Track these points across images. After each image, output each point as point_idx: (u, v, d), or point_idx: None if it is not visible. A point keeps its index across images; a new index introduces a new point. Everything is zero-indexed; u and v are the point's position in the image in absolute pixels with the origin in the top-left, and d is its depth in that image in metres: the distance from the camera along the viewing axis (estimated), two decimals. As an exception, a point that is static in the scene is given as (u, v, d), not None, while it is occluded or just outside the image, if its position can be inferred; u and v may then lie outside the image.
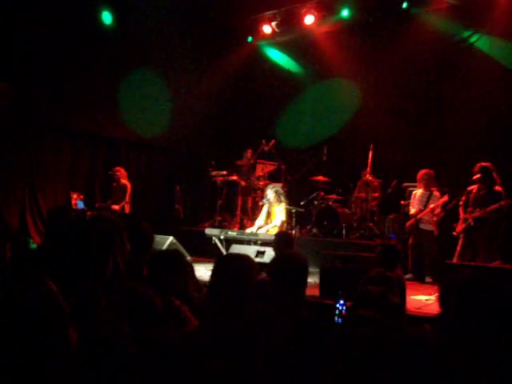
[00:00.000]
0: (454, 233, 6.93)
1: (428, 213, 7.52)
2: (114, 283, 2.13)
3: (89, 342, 1.73)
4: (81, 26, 9.22)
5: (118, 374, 1.80)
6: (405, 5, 9.82)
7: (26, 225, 9.20)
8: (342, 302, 2.64)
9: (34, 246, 4.35)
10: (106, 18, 9.84)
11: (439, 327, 2.31)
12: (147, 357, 2.07)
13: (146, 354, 2.05)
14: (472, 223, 6.72)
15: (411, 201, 7.82)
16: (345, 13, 10.40)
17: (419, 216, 7.56)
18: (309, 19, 10.60)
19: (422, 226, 7.59)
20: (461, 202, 6.99)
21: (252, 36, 11.74)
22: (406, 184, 8.70)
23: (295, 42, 11.43)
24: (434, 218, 7.56)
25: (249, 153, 10.41)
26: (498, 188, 6.67)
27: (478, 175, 6.71)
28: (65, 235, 2.30)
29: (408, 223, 7.74)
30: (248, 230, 8.43)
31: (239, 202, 10.49)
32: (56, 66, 9.02)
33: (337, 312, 2.62)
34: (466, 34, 9.44)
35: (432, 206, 7.47)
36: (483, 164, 6.75)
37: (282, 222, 8.34)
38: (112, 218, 2.42)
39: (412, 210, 7.72)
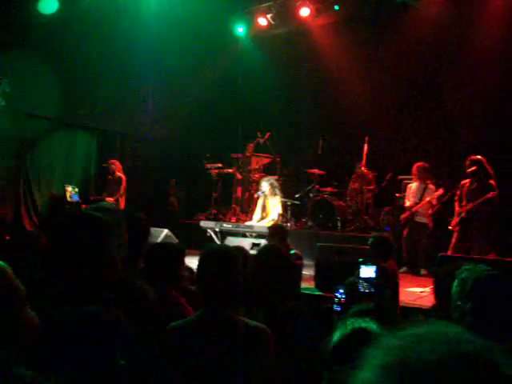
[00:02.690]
0: (450, 227, 6.97)
1: (423, 206, 7.54)
2: (109, 275, 2.13)
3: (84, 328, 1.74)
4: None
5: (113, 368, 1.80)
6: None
7: (19, 217, 9.21)
8: (341, 290, 2.68)
9: None
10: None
11: (434, 319, 2.32)
12: (143, 349, 2.07)
13: (142, 347, 2.05)
14: (465, 216, 6.77)
15: (406, 194, 7.85)
16: (340, 5, 10.35)
17: (414, 209, 7.59)
18: (304, 11, 10.54)
19: (416, 218, 7.61)
20: (456, 197, 7.03)
21: (247, 28, 11.66)
22: (401, 177, 8.71)
23: (291, 34, 11.36)
24: (429, 211, 7.59)
25: (250, 147, 10.35)
26: (489, 181, 6.70)
27: (470, 168, 6.75)
28: (60, 225, 2.29)
29: (402, 216, 7.77)
30: (248, 224, 8.47)
31: (234, 195, 10.49)
32: (50, 60, 8.96)
33: (336, 300, 2.67)
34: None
35: (428, 199, 7.50)
36: (474, 157, 6.78)
37: (279, 215, 8.36)
38: (110, 209, 2.41)
39: (407, 203, 7.75)
